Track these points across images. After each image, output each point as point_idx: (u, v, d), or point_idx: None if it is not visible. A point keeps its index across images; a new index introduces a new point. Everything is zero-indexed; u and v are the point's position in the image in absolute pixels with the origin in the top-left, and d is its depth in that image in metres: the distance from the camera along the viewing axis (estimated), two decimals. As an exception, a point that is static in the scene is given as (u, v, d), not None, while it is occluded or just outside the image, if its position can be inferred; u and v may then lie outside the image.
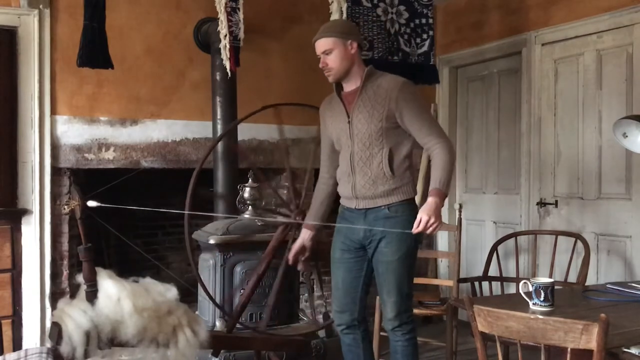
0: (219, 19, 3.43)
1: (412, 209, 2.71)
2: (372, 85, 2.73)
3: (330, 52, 2.72)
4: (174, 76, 4.07)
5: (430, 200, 2.55)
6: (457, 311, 3.42)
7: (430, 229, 2.51)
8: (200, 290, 3.55)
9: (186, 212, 3.12)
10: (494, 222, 4.65)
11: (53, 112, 3.71)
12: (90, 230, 2.73)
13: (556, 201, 4.06)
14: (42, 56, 3.64)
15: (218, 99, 3.89)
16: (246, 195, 3.64)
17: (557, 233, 3.60)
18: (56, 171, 3.74)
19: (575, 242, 3.47)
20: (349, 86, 2.80)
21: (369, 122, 2.70)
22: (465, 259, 4.50)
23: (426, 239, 5.01)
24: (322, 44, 2.74)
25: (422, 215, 2.51)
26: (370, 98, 2.71)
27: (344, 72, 2.74)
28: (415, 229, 2.54)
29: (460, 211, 4.00)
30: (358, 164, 2.74)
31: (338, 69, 2.73)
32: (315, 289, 4.03)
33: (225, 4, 3.36)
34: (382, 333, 3.41)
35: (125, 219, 4.28)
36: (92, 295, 2.49)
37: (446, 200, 4.85)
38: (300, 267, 3.10)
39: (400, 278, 2.71)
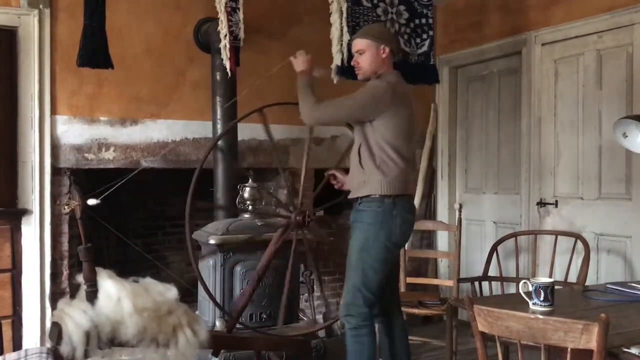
0: (219, 18, 3.43)
1: (378, 206, 2.77)
2: None
3: (362, 52, 2.91)
4: (174, 76, 4.06)
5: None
6: (457, 311, 3.41)
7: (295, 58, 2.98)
8: (201, 290, 3.55)
9: (191, 196, 3.06)
10: (494, 222, 4.65)
11: (53, 112, 3.70)
12: (90, 230, 2.74)
13: (556, 201, 4.06)
14: (42, 56, 3.64)
15: (218, 99, 3.89)
16: (246, 195, 3.64)
17: (557, 233, 3.60)
18: (56, 171, 3.74)
19: (575, 242, 3.47)
20: None
21: None
22: (465, 259, 4.49)
23: (426, 239, 5.01)
24: (356, 44, 2.95)
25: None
26: None
27: (371, 72, 2.91)
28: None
29: (460, 211, 4.00)
30: (350, 154, 2.98)
31: (366, 69, 2.92)
32: (315, 289, 4.02)
33: (225, 4, 3.36)
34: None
35: (125, 219, 4.29)
36: (92, 295, 2.49)
37: (446, 200, 4.89)
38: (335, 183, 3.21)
39: (352, 269, 2.80)
